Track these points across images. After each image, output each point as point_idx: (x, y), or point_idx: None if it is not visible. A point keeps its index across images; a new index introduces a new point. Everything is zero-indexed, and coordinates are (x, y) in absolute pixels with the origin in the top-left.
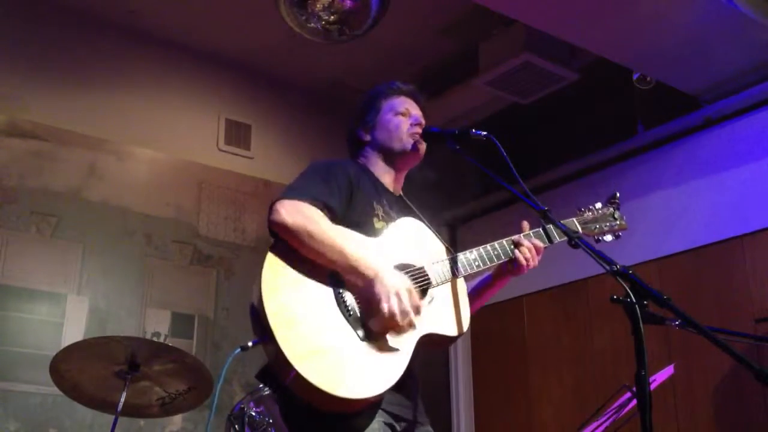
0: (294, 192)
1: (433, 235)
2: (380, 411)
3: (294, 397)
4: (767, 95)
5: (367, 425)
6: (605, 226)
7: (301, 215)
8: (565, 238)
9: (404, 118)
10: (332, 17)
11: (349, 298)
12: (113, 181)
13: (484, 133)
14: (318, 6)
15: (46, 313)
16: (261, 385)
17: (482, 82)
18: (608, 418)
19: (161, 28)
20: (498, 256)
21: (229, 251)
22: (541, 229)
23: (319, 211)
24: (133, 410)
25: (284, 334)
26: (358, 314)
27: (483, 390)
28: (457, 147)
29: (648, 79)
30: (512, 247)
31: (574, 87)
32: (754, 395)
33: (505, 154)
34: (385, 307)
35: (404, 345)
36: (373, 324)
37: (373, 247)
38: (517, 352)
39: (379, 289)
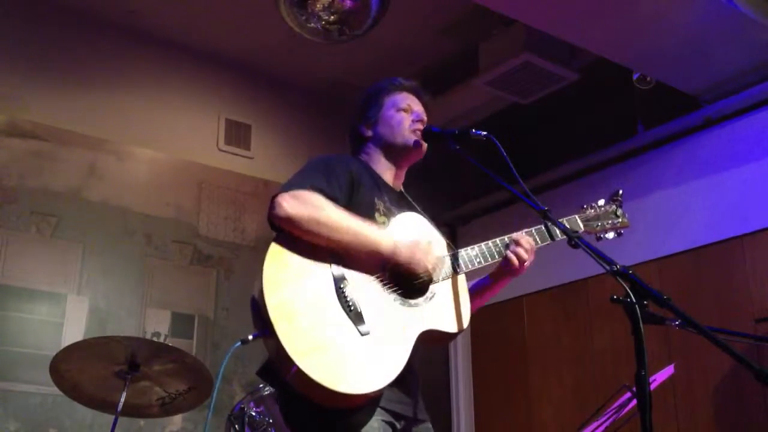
0: (293, 185)
1: (435, 230)
2: (380, 409)
3: (294, 394)
4: (767, 95)
5: (366, 422)
6: (607, 223)
7: (305, 204)
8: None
9: (406, 114)
10: (332, 17)
11: (350, 293)
12: (113, 181)
13: (484, 133)
14: (318, 6)
15: (46, 313)
16: (261, 385)
17: (482, 82)
18: (608, 418)
19: (161, 28)
20: (500, 253)
21: (229, 251)
22: (543, 226)
23: (321, 197)
24: (133, 410)
25: (285, 329)
26: (359, 309)
27: (483, 390)
28: (457, 147)
29: (648, 79)
30: (508, 244)
31: (574, 87)
32: (754, 395)
33: (505, 154)
34: (418, 266)
35: (404, 340)
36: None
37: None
38: (517, 352)
39: (405, 253)
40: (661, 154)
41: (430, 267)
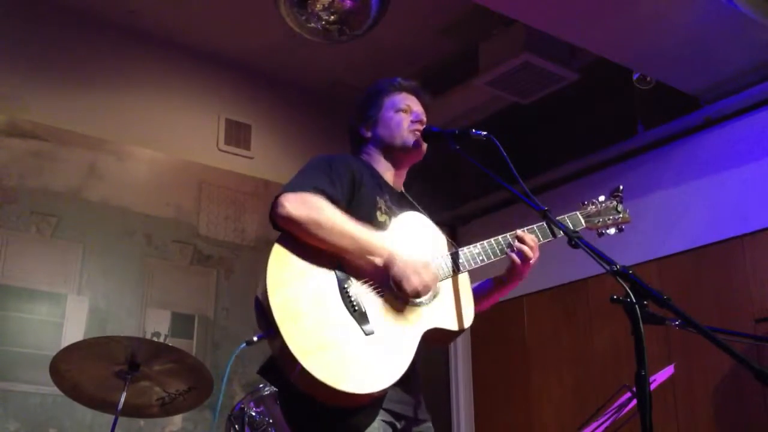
0: (296, 185)
1: (436, 229)
2: (381, 410)
3: (296, 394)
4: (767, 95)
5: (368, 424)
6: (608, 219)
7: (306, 206)
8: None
9: (405, 115)
10: (332, 17)
11: (354, 293)
12: (113, 181)
13: (484, 133)
14: (318, 6)
15: (46, 313)
16: (261, 385)
17: (482, 82)
18: (608, 418)
19: (161, 28)
20: (502, 250)
21: (229, 251)
22: (544, 224)
23: (323, 200)
24: (133, 410)
25: (289, 329)
26: (363, 309)
27: (483, 390)
28: (457, 147)
29: (648, 79)
30: (510, 241)
31: (574, 87)
32: (754, 395)
33: (505, 154)
34: (407, 285)
35: (409, 339)
36: (387, 317)
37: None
38: (517, 352)
39: (397, 269)
40: (661, 154)
41: (419, 289)
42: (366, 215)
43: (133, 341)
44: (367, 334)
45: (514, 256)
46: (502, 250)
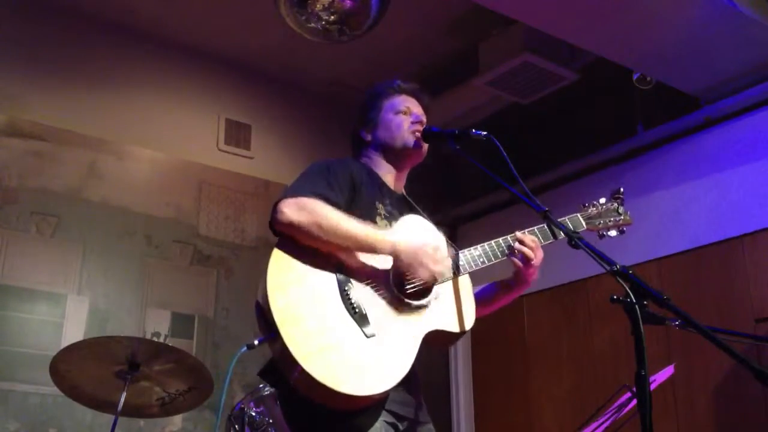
0: (294, 191)
1: (437, 232)
2: (383, 411)
3: (297, 396)
4: (767, 95)
5: (371, 425)
6: (610, 221)
7: (305, 210)
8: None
9: (405, 117)
10: (332, 17)
11: (355, 295)
12: (113, 181)
13: (484, 133)
14: (318, 6)
15: (46, 313)
16: (261, 385)
17: (482, 82)
18: (608, 418)
19: (161, 28)
20: (503, 252)
21: (229, 251)
22: (545, 225)
23: (320, 202)
24: (133, 410)
25: (290, 331)
26: (364, 311)
27: (483, 390)
28: (457, 147)
29: (648, 79)
30: (511, 243)
31: (574, 87)
32: (754, 395)
33: (505, 154)
34: (420, 273)
35: (410, 342)
36: (387, 320)
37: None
38: (517, 352)
39: (405, 258)
40: (661, 154)
41: (437, 271)
42: (365, 220)
43: (133, 341)
44: (368, 337)
45: (515, 260)
46: (502, 252)
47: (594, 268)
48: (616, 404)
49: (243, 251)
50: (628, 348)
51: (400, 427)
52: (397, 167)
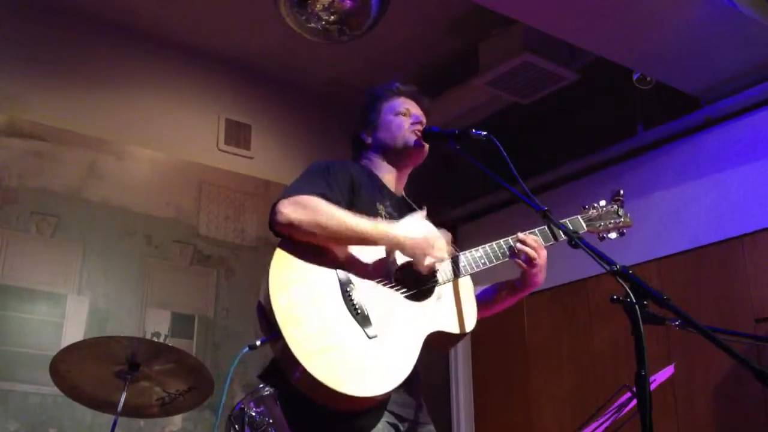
0: (293, 191)
1: (438, 233)
2: (385, 411)
3: (298, 398)
4: (767, 95)
5: (372, 425)
6: (610, 223)
7: (305, 208)
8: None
9: (405, 118)
10: (332, 17)
11: (357, 296)
12: (113, 181)
13: (484, 133)
14: (318, 6)
15: (46, 313)
16: (261, 385)
17: (482, 82)
18: (608, 418)
19: (161, 28)
20: (504, 254)
21: (229, 251)
22: (546, 227)
23: (319, 199)
24: (133, 410)
25: (292, 332)
26: (366, 312)
27: (483, 390)
28: (457, 147)
29: (648, 79)
30: (512, 244)
31: (574, 87)
32: (754, 395)
33: (505, 154)
34: (424, 261)
35: (412, 343)
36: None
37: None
38: (517, 352)
39: (408, 250)
40: (661, 154)
41: (439, 257)
42: None
43: (133, 341)
44: (369, 337)
45: (519, 261)
46: (503, 254)
47: (594, 268)
48: (616, 404)
49: (243, 251)
50: (628, 348)
51: (401, 428)
52: (398, 168)
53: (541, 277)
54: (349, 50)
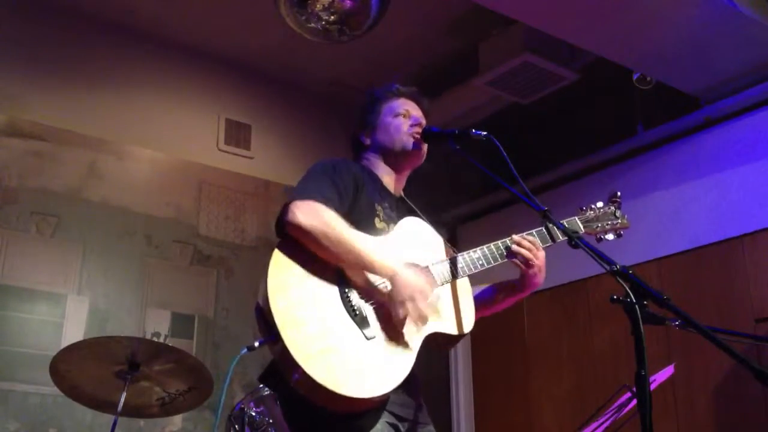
0: (306, 193)
1: (436, 235)
2: (385, 412)
3: (298, 400)
4: (767, 95)
5: (372, 426)
6: (607, 224)
7: (318, 218)
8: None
9: (404, 119)
10: (332, 17)
11: (355, 298)
12: (113, 181)
13: (484, 133)
14: (318, 6)
15: (46, 313)
16: (261, 385)
17: (482, 82)
18: (608, 418)
19: (161, 28)
20: (502, 255)
21: (229, 251)
22: (543, 228)
23: (333, 213)
24: (133, 410)
25: (290, 333)
26: (364, 314)
27: (483, 390)
28: (457, 147)
29: (648, 79)
30: (509, 246)
31: (574, 87)
32: (754, 395)
33: (505, 154)
34: (400, 312)
35: (410, 345)
36: (388, 322)
37: (384, 246)
38: (517, 352)
39: (395, 292)
40: (661, 154)
41: (415, 314)
42: (364, 221)
43: (133, 341)
44: (368, 339)
45: (517, 262)
46: (501, 255)
47: (594, 268)
48: (616, 404)
49: (243, 251)
50: (628, 348)
51: (401, 428)
52: (396, 170)
53: (541, 278)
54: (349, 50)
